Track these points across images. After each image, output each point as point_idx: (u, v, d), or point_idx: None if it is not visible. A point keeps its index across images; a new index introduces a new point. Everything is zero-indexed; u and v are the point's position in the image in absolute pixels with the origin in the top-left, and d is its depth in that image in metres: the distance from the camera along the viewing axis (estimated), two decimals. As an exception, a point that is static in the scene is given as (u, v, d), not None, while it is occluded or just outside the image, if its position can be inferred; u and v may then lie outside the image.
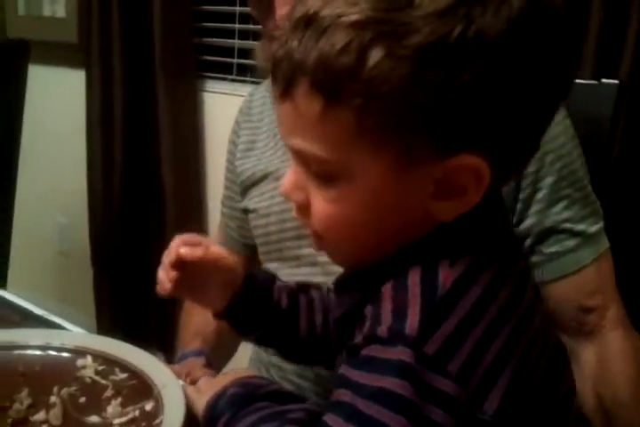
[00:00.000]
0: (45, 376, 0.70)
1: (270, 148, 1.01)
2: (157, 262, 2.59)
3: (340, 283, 0.64)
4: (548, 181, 0.85)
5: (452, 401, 0.49)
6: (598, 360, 0.86)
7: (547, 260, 0.86)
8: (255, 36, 2.04)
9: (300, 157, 0.55)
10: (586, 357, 0.87)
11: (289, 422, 0.56)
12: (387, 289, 0.53)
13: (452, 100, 0.49)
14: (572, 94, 0.91)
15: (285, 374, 1.00)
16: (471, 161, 0.51)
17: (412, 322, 0.50)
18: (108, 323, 2.37)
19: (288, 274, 0.98)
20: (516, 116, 0.51)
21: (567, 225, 0.85)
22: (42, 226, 2.67)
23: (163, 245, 2.42)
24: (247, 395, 0.62)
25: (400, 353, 0.49)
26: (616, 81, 1.01)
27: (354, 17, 0.48)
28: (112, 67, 2.18)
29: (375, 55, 0.48)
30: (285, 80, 0.52)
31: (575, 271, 0.85)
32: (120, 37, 2.15)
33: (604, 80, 1.01)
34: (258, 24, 1.97)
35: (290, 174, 0.58)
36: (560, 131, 0.86)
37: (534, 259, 0.86)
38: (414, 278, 0.52)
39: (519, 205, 0.85)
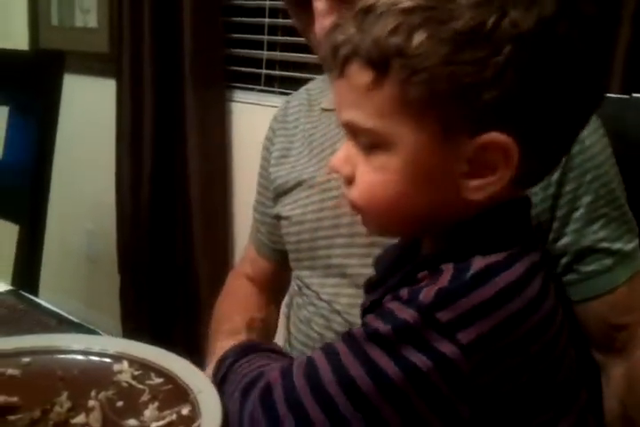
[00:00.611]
0: (83, 380, 0.71)
1: (304, 155, 1.02)
2: (183, 269, 2.61)
3: (370, 284, 0.70)
4: (586, 200, 0.85)
5: (445, 360, 0.55)
6: (626, 373, 0.87)
7: (583, 279, 0.86)
8: (283, 47, 2.06)
9: (351, 130, 0.62)
10: (615, 370, 0.88)
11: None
12: (423, 274, 0.60)
13: (484, 79, 0.55)
14: (603, 109, 0.92)
15: None
16: (500, 139, 0.57)
17: (430, 291, 0.56)
18: (134, 328, 2.39)
19: (318, 284, 0.98)
20: (545, 103, 0.57)
21: (604, 244, 0.86)
22: (71, 233, 2.69)
23: (189, 253, 2.45)
24: (252, 345, 0.72)
25: (407, 314, 0.56)
26: (647, 95, 1.01)
27: (405, 4, 0.56)
28: (142, 76, 2.21)
29: (420, 36, 0.55)
30: (342, 61, 0.60)
31: (609, 291, 0.86)
32: (150, 48, 2.18)
33: (634, 94, 1.00)
34: (286, 35, 2.03)
35: (341, 150, 0.64)
36: (599, 150, 0.87)
37: (570, 277, 0.87)
38: (448, 265, 0.58)
39: (556, 224, 0.86)
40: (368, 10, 0.58)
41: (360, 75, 0.58)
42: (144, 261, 2.34)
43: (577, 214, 0.85)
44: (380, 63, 0.57)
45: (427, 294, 0.56)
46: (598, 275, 0.86)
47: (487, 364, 0.56)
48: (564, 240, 0.86)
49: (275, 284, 1.17)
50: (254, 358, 0.70)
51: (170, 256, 2.29)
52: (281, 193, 1.03)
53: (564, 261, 0.87)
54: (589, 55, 0.59)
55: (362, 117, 0.59)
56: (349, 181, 0.63)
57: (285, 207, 1.01)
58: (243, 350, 0.72)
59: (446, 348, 0.55)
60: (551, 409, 0.61)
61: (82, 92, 2.47)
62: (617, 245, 0.86)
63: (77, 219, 2.68)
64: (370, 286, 0.70)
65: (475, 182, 0.59)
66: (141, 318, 2.38)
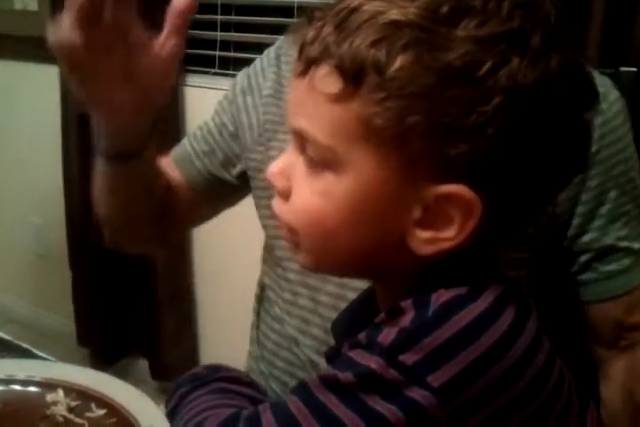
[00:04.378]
0: (9, 416, 0.61)
1: None
2: (140, 265, 2.50)
3: (331, 354, 0.62)
4: (613, 194, 0.83)
5: (417, 408, 0.48)
6: (629, 363, 0.86)
7: (601, 278, 0.85)
8: (237, 27, 2.00)
9: (299, 141, 0.55)
10: (618, 363, 0.87)
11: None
12: (381, 318, 0.53)
13: (465, 126, 0.49)
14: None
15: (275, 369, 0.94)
16: (466, 193, 0.50)
17: (391, 332, 0.50)
18: (88, 329, 2.33)
19: (299, 272, 0.88)
20: (524, 167, 0.51)
21: (625, 243, 0.84)
22: (16, 227, 2.63)
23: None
24: (205, 376, 0.65)
25: (369, 359, 0.49)
26: (634, 69, 0.99)
27: (394, 16, 0.49)
28: None
29: (405, 57, 0.49)
30: (310, 59, 0.52)
31: (627, 292, 0.85)
32: None
33: (622, 68, 0.96)
34: (240, 15, 1.93)
35: (282, 158, 0.57)
36: (627, 143, 0.84)
37: (587, 276, 0.85)
38: (407, 302, 0.52)
39: (577, 220, 0.83)
40: (351, 12, 0.51)
41: (326, 81, 0.52)
42: (97, 256, 2.26)
43: (603, 210, 0.83)
44: (353, 74, 0.50)
45: (387, 335, 0.50)
46: (616, 275, 0.84)
47: (465, 411, 0.49)
48: (588, 237, 0.84)
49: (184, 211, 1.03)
50: (205, 393, 0.62)
51: (124, 250, 2.20)
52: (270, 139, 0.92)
53: (583, 258, 0.84)
54: (580, 121, 0.54)
55: (316, 130, 0.53)
56: (284, 196, 0.57)
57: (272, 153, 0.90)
58: (197, 379, 0.64)
59: (417, 394, 0.48)
60: None
61: (22, 79, 2.41)
62: (636, 245, 0.84)
63: (23, 212, 2.60)
64: (331, 357, 0.62)
65: (426, 234, 0.52)
66: (96, 317, 2.32)
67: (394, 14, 0.49)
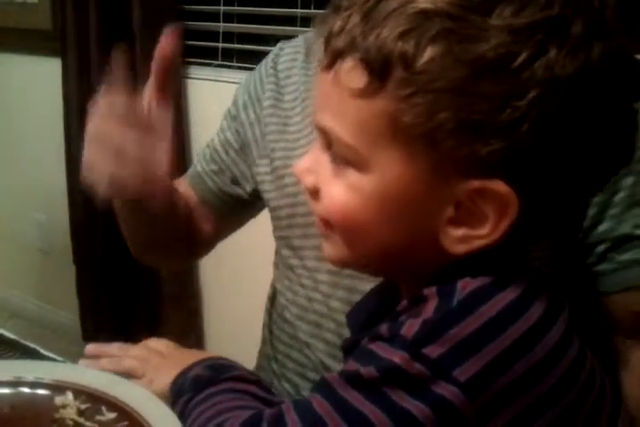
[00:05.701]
0: (17, 420, 0.59)
1: (300, 120, 0.89)
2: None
3: (347, 347, 0.61)
4: (629, 181, 0.79)
5: (445, 404, 0.47)
6: None
7: (619, 268, 0.82)
8: (240, 18, 1.99)
9: (324, 137, 0.54)
10: (637, 353, 0.83)
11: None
12: (403, 305, 0.52)
13: (498, 123, 0.47)
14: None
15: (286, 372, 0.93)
16: (501, 188, 0.49)
17: (414, 324, 0.49)
18: (93, 325, 2.33)
19: (309, 277, 0.87)
20: (562, 164, 0.50)
21: None
22: (20, 223, 2.62)
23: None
24: (210, 378, 0.63)
25: (392, 353, 0.49)
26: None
27: (423, 5, 0.47)
28: (89, 54, 2.11)
29: (435, 49, 0.47)
30: (336, 51, 0.51)
31: None
32: (97, 22, 2.08)
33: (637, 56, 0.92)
34: (243, 5, 1.91)
35: (308, 155, 0.57)
36: None
37: (604, 266, 0.82)
38: (431, 290, 0.51)
39: (592, 210, 0.80)
40: (378, 1, 0.50)
41: (352, 76, 0.50)
42: (101, 251, 2.26)
43: (618, 197, 0.80)
44: (379, 68, 0.48)
45: (410, 328, 0.49)
46: (633, 264, 0.81)
47: (495, 406, 0.48)
48: (603, 226, 0.81)
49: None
50: (212, 395, 0.60)
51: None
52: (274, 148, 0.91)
53: (600, 249, 0.82)
54: (625, 112, 0.51)
55: (340, 128, 0.52)
56: (313, 193, 0.56)
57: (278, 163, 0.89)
58: (200, 382, 0.63)
59: (444, 389, 0.47)
60: None
61: (25, 72, 2.40)
62: None
63: (26, 209, 2.59)
64: (348, 350, 0.61)
65: (459, 232, 0.51)
66: (101, 312, 2.31)
67: (423, 2, 0.47)
